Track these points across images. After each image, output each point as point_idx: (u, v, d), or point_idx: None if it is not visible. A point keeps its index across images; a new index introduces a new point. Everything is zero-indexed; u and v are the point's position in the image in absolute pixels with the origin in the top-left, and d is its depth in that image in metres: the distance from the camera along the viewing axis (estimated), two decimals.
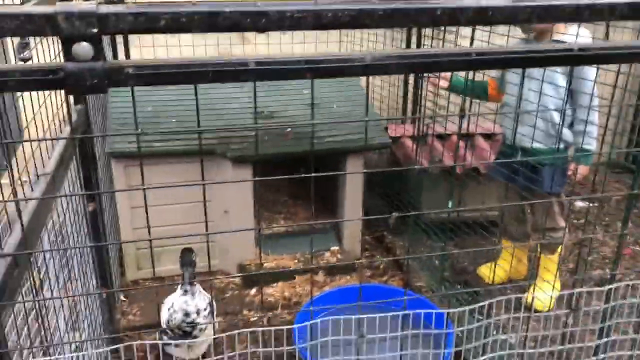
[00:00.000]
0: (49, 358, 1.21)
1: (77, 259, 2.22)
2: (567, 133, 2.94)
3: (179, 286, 2.58)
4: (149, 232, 1.18)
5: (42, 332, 1.37)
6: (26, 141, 1.19)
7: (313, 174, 1.11)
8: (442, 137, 3.89)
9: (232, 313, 3.16)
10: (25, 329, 1.32)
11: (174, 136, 3.16)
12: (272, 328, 1.61)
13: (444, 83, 3.10)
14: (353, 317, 1.59)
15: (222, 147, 3.14)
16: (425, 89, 3.46)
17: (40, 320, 1.40)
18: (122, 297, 3.25)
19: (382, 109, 4.34)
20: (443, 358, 2.49)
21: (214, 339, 2.67)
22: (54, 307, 1.69)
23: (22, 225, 1.13)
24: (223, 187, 3.24)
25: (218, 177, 3.22)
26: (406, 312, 1.50)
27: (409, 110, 4.40)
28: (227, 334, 1.57)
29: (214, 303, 2.71)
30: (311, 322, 1.53)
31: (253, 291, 3.32)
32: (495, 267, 3.40)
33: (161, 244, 3.35)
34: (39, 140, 1.55)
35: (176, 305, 2.54)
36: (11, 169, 1.24)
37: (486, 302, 1.71)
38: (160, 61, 0.84)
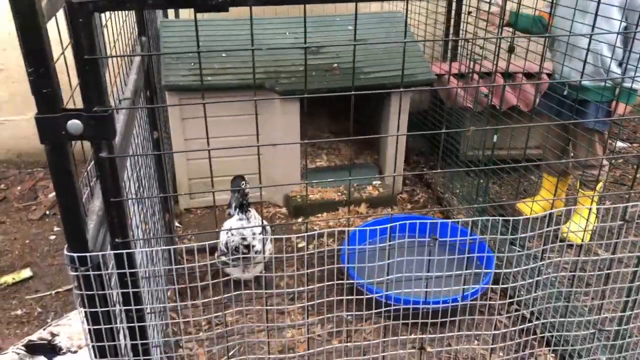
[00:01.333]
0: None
1: (147, 178, 2.40)
2: (615, 70, 2.95)
3: (231, 210, 2.75)
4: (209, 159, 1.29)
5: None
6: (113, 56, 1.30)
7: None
8: (486, 76, 3.91)
9: (281, 240, 3.34)
10: None
11: (225, 71, 3.26)
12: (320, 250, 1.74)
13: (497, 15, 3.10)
14: (394, 242, 1.67)
15: (271, 81, 3.23)
16: (474, 24, 3.45)
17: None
18: (176, 224, 3.44)
19: (426, 45, 4.34)
20: (484, 278, 2.63)
21: (266, 261, 2.87)
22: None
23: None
24: (271, 122, 3.35)
25: (266, 111, 3.33)
26: (449, 240, 1.60)
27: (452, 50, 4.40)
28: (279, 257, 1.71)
29: (268, 228, 2.88)
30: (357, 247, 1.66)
31: (299, 220, 3.49)
32: (534, 201, 3.49)
33: (213, 176, 3.51)
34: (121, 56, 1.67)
35: (234, 229, 2.72)
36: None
37: (526, 235, 1.77)
38: None
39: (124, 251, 1.10)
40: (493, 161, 3.05)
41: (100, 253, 1.10)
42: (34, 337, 2.43)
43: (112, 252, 1.11)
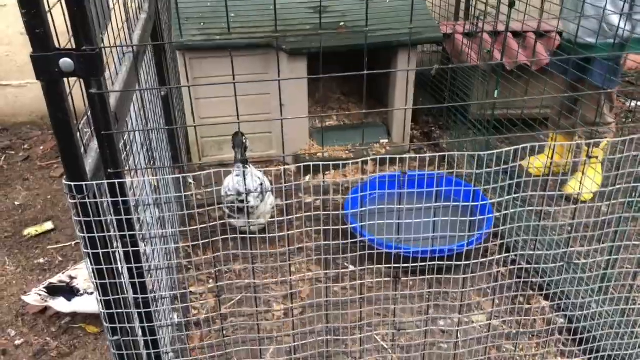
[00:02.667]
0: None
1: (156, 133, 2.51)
2: (622, 25, 2.94)
3: (234, 168, 2.89)
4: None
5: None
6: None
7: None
8: (494, 35, 3.92)
9: (289, 195, 3.46)
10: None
11: (234, 30, 3.34)
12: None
13: None
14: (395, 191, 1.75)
15: (279, 40, 3.30)
16: None
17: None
18: (190, 180, 3.57)
19: (434, 4, 4.34)
20: (479, 226, 2.71)
21: (272, 217, 2.99)
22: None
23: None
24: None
25: (274, 71, 3.41)
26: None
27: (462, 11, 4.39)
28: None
29: (266, 183, 2.98)
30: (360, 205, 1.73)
31: (307, 178, 3.59)
32: (538, 159, 3.53)
33: (222, 134, 3.63)
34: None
35: (230, 185, 2.86)
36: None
37: (528, 194, 1.82)
38: None
39: (116, 180, 1.22)
40: (496, 119, 3.10)
41: (95, 182, 1.21)
42: (54, 279, 2.61)
43: (106, 181, 1.22)
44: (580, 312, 2.35)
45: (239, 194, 2.84)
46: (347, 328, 2.46)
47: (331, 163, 3.45)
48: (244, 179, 2.88)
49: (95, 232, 1.26)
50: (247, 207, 2.87)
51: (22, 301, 2.68)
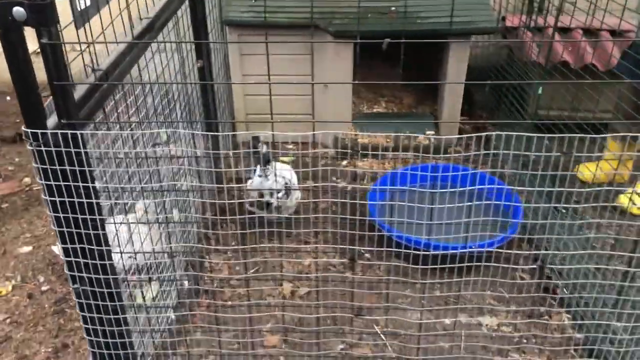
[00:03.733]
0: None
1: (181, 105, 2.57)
2: None
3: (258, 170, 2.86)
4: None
5: None
6: None
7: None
8: (563, 31, 3.68)
9: (324, 178, 3.44)
10: None
11: (282, 9, 3.34)
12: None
13: None
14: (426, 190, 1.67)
15: (325, 21, 3.27)
16: None
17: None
18: (230, 154, 3.64)
19: None
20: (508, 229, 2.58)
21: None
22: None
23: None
24: (323, 62, 3.41)
25: (319, 52, 3.39)
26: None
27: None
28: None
29: (293, 180, 2.92)
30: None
31: (344, 162, 3.55)
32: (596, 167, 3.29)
33: (267, 112, 3.65)
34: None
35: (253, 185, 2.85)
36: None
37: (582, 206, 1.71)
38: None
39: (69, 131, 1.26)
40: (538, 118, 2.91)
41: (49, 131, 1.26)
42: None
43: (59, 131, 1.26)
44: (603, 335, 2.17)
45: (261, 195, 2.83)
46: (345, 315, 2.42)
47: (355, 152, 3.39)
48: (267, 179, 2.83)
49: (51, 180, 1.31)
50: (272, 207, 2.85)
51: (53, 251, 2.86)
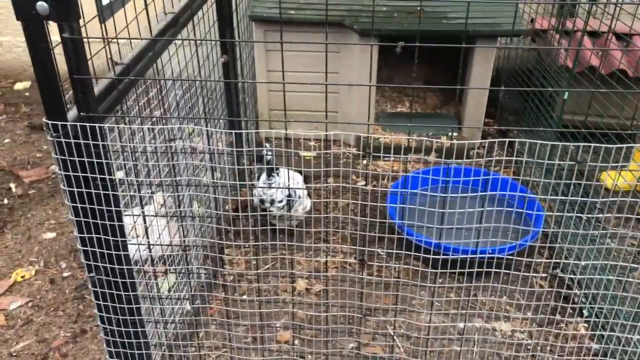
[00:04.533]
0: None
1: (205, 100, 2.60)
2: None
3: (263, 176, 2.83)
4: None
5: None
6: None
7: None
8: (594, 35, 3.61)
9: (344, 177, 3.44)
10: None
11: (309, 6, 3.35)
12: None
13: None
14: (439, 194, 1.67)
15: (351, 19, 3.27)
16: None
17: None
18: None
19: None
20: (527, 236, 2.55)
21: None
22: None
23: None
24: (349, 61, 3.40)
25: (345, 50, 3.38)
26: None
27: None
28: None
29: (299, 192, 2.85)
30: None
31: (364, 161, 3.55)
32: (619, 175, 3.22)
33: (290, 109, 3.67)
34: None
35: (256, 192, 2.84)
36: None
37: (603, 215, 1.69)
38: None
39: (88, 124, 1.28)
40: (565, 125, 2.86)
41: (69, 123, 1.29)
42: None
43: (79, 123, 1.29)
44: (616, 347, 2.13)
45: (262, 201, 2.81)
46: (368, 319, 2.42)
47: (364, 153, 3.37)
48: (270, 188, 2.78)
49: (70, 170, 1.34)
50: (273, 216, 2.84)
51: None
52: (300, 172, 3.02)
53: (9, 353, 2.36)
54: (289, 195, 2.79)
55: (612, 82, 3.24)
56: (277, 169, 2.79)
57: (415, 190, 1.71)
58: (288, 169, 2.85)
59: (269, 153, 2.76)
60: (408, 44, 1.19)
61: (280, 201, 2.78)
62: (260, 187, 2.81)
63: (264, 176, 2.82)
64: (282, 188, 2.75)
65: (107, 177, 1.34)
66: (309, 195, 2.95)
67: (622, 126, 3.26)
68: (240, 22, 3.36)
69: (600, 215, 2.22)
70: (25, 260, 2.86)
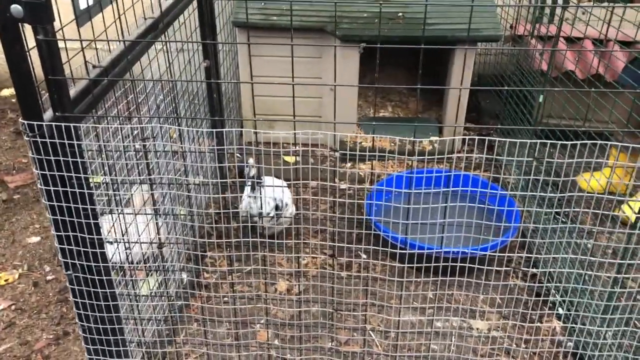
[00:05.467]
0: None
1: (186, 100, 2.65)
2: None
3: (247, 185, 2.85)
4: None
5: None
6: None
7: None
8: (571, 41, 3.69)
9: (324, 180, 3.49)
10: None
11: (291, 12, 3.40)
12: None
13: None
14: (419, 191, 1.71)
15: (332, 25, 3.32)
16: None
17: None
18: (237, 154, 3.71)
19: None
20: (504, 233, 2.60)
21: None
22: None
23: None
24: (331, 66, 3.46)
25: (327, 55, 3.44)
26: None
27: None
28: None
29: (285, 200, 2.84)
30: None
31: (348, 165, 3.60)
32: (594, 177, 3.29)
33: (274, 114, 3.72)
34: None
35: (242, 204, 2.86)
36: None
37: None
38: None
39: (63, 124, 1.32)
40: (541, 128, 2.93)
41: (44, 123, 1.33)
42: None
43: (53, 123, 1.33)
44: (588, 340, 2.18)
45: (250, 215, 2.80)
46: (340, 314, 2.47)
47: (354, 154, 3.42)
48: (256, 201, 2.77)
49: (46, 170, 1.38)
50: (263, 227, 2.85)
51: None
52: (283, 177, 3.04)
53: None
54: (277, 207, 2.79)
55: (584, 85, 3.32)
56: (259, 182, 2.79)
57: (391, 188, 1.77)
58: (273, 178, 2.86)
59: (252, 168, 2.77)
60: (369, 45, 1.24)
61: (269, 213, 2.77)
62: (246, 201, 2.81)
63: (247, 190, 2.82)
64: (270, 197, 2.76)
65: (82, 176, 1.38)
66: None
67: (593, 128, 3.34)
68: (223, 29, 3.41)
69: (568, 210, 2.28)
70: (9, 264, 2.88)
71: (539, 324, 2.45)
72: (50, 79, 1.29)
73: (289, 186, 2.98)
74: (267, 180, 2.84)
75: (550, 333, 2.44)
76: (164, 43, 2.21)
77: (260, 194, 2.75)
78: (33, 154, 1.37)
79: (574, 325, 2.29)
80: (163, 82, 2.18)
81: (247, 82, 3.05)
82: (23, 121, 1.33)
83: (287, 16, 3.42)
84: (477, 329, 2.46)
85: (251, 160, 2.81)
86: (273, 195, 2.78)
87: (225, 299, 2.58)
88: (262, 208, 2.75)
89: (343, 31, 3.32)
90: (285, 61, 3.49)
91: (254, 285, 2.68)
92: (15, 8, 1.21)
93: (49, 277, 2.81)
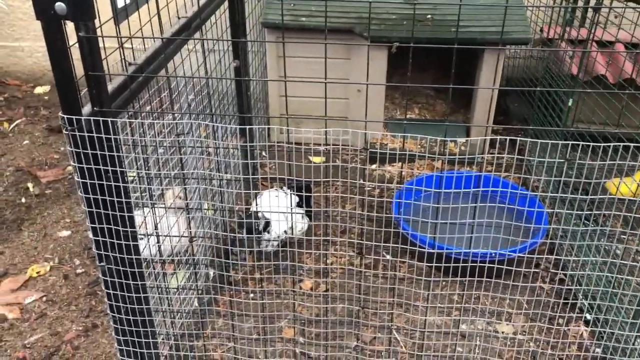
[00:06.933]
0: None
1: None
2: None
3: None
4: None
5: None
6: None
7: None
8: (604, 45, 3.64)
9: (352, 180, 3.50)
10: None
11: (321, 13, 3.43)
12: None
13: None
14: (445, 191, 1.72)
15: (361, 26, 3.34)
16: None
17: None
18: (263, 153, 3.75)
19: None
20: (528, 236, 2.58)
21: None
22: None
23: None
24: (359, 67, 3.47)
25: (355, 56, 3.45)
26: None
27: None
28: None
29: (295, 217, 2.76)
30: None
31: (374, 166, 3.60)
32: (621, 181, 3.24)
33: (301, 114, 3.75)
34: None
35: (246, 222, 2.81)
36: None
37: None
38: None
39: (101, 118, 1.36)
40: (571, 130, 2.90)
41: (83, 117, 1.37)
42: None
43: (92, 118, 1.37)
44: (616, 345, 2.16)
45: (251, 231, 2.69)
46: (365, 312, 2.47)
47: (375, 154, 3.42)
48: (258, 220, 2.67)
49: (83, 163, 1.42)
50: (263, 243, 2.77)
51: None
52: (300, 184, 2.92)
53: (23, 344, 2.44)
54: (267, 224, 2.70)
55: (616, 90, 3.27)
56: (267, 223, 2.71)
57: (418, 187, 1.77)
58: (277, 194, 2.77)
59: (263, 222, 2.69)
60: (402, 44, 1.25)
61: (268, 231, 2.71)
62: (249, 219, 2.71)
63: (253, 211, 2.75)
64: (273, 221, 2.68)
65: (118, 169, 1.41)
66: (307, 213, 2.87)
67: (624, 134, 3.29)
68: (253, 29, 3.44)
69: (597, 212, 2.26)
70: (40, 257, 2.95)
71: (565, 328, 2.43)
72: (91, 75, 1.32)
73: (307, 190, 2.89)
74: (265, 196, 2.79)
75: (577, 337, 2.42)
76: (197, 41, 2.25)
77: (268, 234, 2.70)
78: (71, 147, 1.41)
79: (602, 330, 2.26)
80: (197, 79, 2.22)
81: (280, 80, 3.07)
82: (63, 115, 1.37)
83: (316, 17, 3.44)
84: (503, 332, 2.45)
85: (261, 214, 2.70)
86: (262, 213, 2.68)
87: (252, 294, 2.61)
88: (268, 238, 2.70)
89: (372, 32, 3.33)
90: (313, 62, 3.52)
91: (280, 283, 2.71)
92: (60, 5, 1.25)
93: (78, 270, 2.87)
